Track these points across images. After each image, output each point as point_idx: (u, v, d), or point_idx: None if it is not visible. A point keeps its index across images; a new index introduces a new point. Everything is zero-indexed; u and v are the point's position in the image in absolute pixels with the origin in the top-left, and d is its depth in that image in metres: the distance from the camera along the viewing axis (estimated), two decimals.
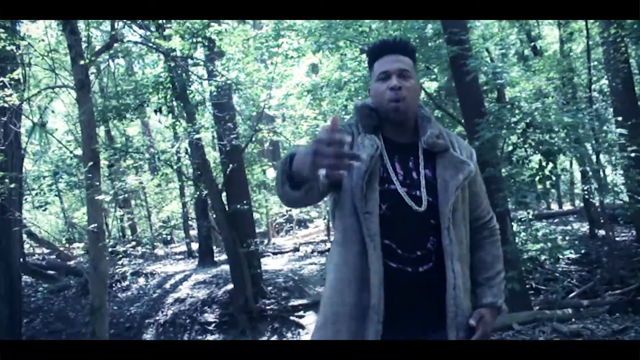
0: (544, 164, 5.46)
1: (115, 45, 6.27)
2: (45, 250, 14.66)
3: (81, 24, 5.23)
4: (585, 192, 7.92)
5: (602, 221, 8.69)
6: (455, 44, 5.86)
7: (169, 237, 16.68)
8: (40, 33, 5.34)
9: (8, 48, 5.21)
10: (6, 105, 5.24)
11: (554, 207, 15.74)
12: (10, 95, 5.15)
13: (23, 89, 5.93)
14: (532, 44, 11.64)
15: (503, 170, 5.88)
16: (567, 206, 15.84)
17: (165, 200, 15.00)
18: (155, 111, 9.42)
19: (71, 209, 16.82)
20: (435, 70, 7.44)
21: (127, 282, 11.06)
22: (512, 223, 6.96)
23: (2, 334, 6.62)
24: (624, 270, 8.12)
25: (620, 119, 7.13)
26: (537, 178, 5.58)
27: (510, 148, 5.97)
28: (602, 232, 9.55)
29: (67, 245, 15.01)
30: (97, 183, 4.52)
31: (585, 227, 10.46)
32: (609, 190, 7.30)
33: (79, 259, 13.40)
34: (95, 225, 4.45)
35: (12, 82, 4.97)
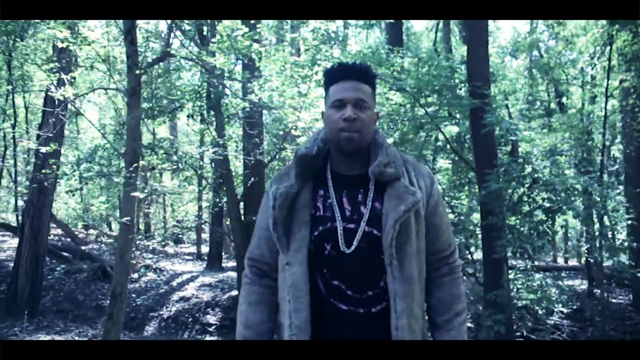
0: (543, 219, 5.90)
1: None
2: (60, 232, 15.29)
3: (139, 36, 5.87)
4: (586, 252, 8.31)
5: (599, 281, 9.01)
6: (477, 97, 6.36)
7: (180, 237, 17.21)
8: (100, 39, 5.95)
9: (72, 48, 5.85)
10: (61, 98, 5.86)
11: (560, 261, 16.03)
12: (66, 91, 5.76)
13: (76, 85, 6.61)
14: (558, 100, 12.10)
15: (508, 220, 6.33)
16: (573, 262, 16.11)
17: (182, 201, 15.60)
18: (188, 116, 10.08)
19: (89, 196, 17.49)
20: (458, 115, 7.91)
21: (137, 275, 11.58)
22: (510, 271, 7.39)
23: (22, 307, 7.18)
24: (615, 332, 8.46)
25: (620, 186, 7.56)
26: (535, 232, 6.01)
27: (516, 200, 6.40)
28: (599, 292, 9.92)
29: (83, 230, 15.64)
30: (136, 181, 5.06)
31: (585, 285, 10.81)
32: (613, 251, 7.64)
33: (91, 245, 14.03)
34: (128, 218, 4.98)
35: (72, 80, 5.59)
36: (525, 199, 6.18)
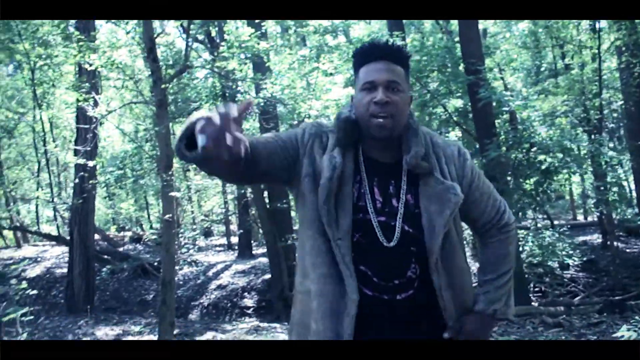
0: (541, 180, 6.56)
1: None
2: (97, 237, 16.27)
3: (159, 51, 6.65)
4: (592, 206, 8.90)
5: (611, 232, 9.58)
6: (472, 73, 7.00)
7: (209, 230, 18.08)
8: (126, 58, 6.74)
9: (100, 69, 6.64)
10: (98, 116, 6.67)
11: (580, 218, 16.56)
12: (100, 109, 6.58)
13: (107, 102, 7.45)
14: (563, 61, 12.53)
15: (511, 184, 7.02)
16: (592, 218, 16.64)
17: (207, 196, 16.47)
18: None
19: (118, 200, 18.44)
20: (460, 91, 8.53)
21: (177, 267, 12.45)
22: (521, 231, 8.08)
23: (79, 305, 8.11)
24: (629, 279, 9.05)
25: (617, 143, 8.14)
26: (535, 192, 6.68)
27: (516, 165, 7.07)
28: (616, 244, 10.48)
29: (117, 233, 16.62)
30: (172, 182, 5.84)
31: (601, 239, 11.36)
32: (616, 203, 8.23)
33: (127, 246, 14.96)
34: (170, 215, 5.78)
35: (104, 99, 6.40)
36: (524, 162, 6.84)
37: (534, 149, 6.87)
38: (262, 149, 1.57)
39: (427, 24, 12.78)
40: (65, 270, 10.62)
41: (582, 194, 15.58)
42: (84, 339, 6.77)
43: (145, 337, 6.93)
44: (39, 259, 13.39)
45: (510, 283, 1.78)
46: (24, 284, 7.07)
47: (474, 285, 1.76)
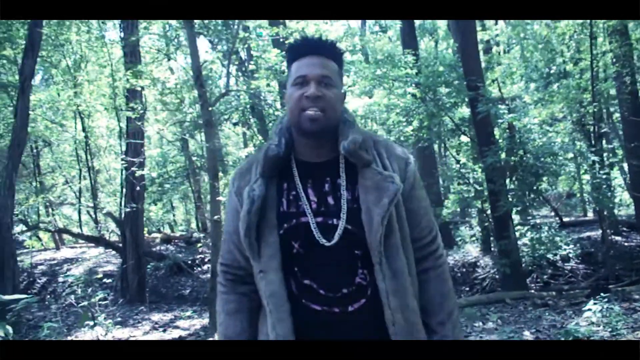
0: (533, 181, 7.78)
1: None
2: None
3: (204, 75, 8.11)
4: (588, 202, 10.01)
5: (607, 228, 10.66)
6: (472, 89, 8.24)
7: None
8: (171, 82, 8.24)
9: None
10: (154, 132, 8.09)
11: (590, 214, 17.60)
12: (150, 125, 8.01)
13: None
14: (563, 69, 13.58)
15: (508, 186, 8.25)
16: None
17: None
18: (234, 124, 12.39)
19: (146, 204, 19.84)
20: (464, 103, 9.73)
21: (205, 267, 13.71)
22: (521, 227, 9.26)
23: (134, 297, 9.55)
24: (623, 270, 10.10)
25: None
26: (528, 193, 7.91)
27: (513, 168, 8.28)
28: (615, 238, 11.53)
29: (147, 235, 18.03)
30: (218, 188, 7.22)
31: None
32: (605, 201, 9.31)
33: (158, 247, 16.28)
34: (218, 216, 7.09)
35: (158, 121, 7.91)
36: (518, 167, 8.05)
37: (527, 154, 8.05)
38: (246, 264, 1.71)
39: (442, 32, 13.93)
40: (106, 268, 12.04)
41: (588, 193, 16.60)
42: (143, 322, 8.22)
43: (195, 321, 8.28)
44: (79, 259, 14.76)
45: (458, 320, 1.75)
46: (100, 274, 8.54)
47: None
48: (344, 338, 1.58)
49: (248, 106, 10.85)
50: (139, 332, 7.85)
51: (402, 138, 10.11)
